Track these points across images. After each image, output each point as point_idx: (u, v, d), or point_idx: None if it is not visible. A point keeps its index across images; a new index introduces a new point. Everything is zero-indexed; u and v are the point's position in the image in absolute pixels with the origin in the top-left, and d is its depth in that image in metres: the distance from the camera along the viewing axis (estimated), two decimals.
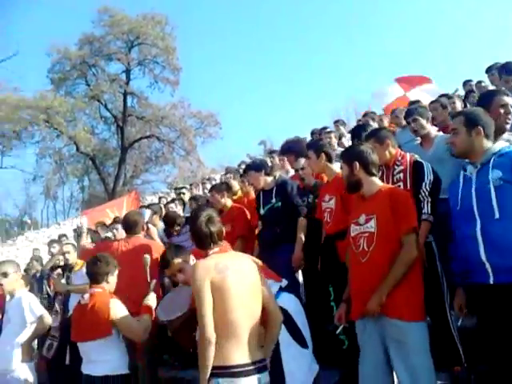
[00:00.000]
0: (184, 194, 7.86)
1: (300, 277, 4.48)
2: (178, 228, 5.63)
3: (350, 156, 3.00)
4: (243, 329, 2.36)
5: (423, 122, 4.01)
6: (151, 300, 3.39)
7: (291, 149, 5.52)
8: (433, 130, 4.15)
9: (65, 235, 8.32)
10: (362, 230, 2.84)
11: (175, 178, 28.79)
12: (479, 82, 7.27)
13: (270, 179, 4.55)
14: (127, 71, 29.42)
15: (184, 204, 7.63)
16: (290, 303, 3.19)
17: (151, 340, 3.91)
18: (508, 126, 3.25)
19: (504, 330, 2.44)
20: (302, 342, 3.05)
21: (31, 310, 3.97)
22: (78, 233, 7.00)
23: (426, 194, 3.21)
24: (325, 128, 8.28)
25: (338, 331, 3.13)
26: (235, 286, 2.39)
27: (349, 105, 25.67)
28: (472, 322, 2.97)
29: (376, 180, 2.96)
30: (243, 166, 7.99)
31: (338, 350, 3.57)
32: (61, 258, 5.92)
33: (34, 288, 5.40)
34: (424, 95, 7.68)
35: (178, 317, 3.13)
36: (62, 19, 53.77)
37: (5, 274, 4.05)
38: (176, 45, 29.42)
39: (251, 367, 2.31)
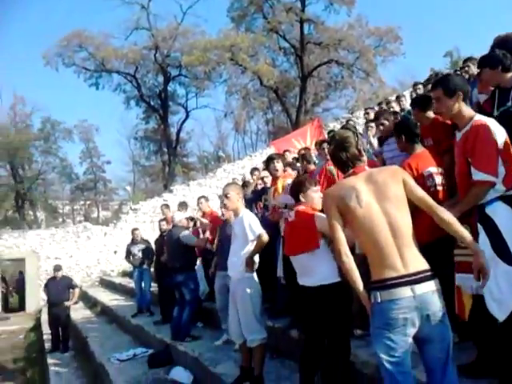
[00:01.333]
0: (368, 113, 7.69)
1: None
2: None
3: None
4: (388, 243, 2.36)
5: None
6: None
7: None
8: None
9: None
10: None
11: (356, 102, 28.08)
12: None
13: (509, 75, 3.70)
14: None
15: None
16: (503, 215, 2.85)
17: None
18: None
19: None
20: (508, 260, 2.75)
21: (251, 229, 4.31)
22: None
23: None
24: None
25: None
26: (366, 206, 2.41)
27: None
28: None
29: None
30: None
31: None
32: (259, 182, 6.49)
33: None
34: None
35: None
36: None
37: (227, 196, 4.48)
38: None
39: (405, 279, 2.31)
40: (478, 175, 2.88)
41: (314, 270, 3.47)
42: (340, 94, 31.03)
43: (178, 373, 5.66)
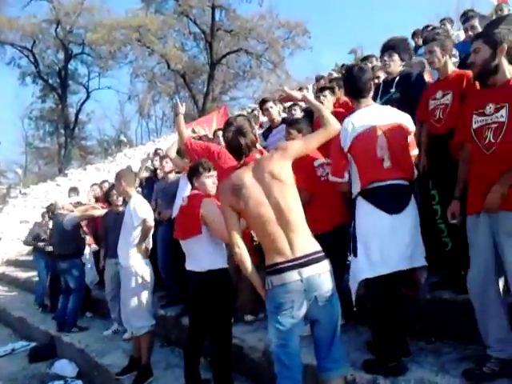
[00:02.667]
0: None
1: None
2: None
3: (495, 37, 2.64)
4: (276, 231, 2.38)
5: None
6: None
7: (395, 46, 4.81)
8: None
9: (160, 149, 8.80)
10: (488, 121, 2.58)
11: (262, 93, 28.37)
12: None
13: (398, 69, 3.98)
14: None
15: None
16: (360, 209, 3.03)
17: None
18: None
19: None
20: (354, 251, 2.98)
21: (136, 214, 4.20)
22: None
23: None
24: (428, 26, 7.60)
25: (455, 221, 2.90)
26: (253, 200, 2.42)
27: (449, 6, 22.93)
28: None
29: (510, 67, 2.66)
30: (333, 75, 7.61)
31: (441, 253, 3.44)
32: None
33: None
34: None
35: None
36: None
37: (114, 184, 4.49)
38: None
39: (292, 263, 2.34)
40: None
41: (200, 256, 3.42)
42: (248, 83, 31.21)
43: (62, 366, 5.34)
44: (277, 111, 5.33)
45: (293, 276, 2.32)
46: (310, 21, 28.05)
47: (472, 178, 2.71)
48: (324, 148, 3.77)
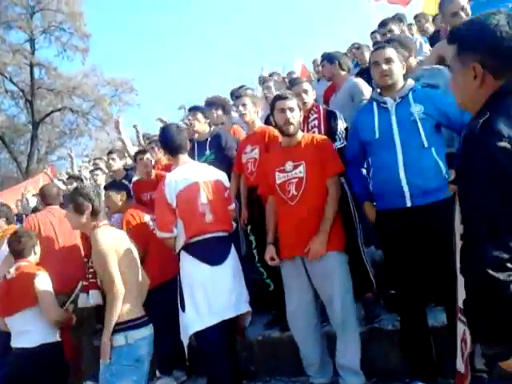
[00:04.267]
0: (97, 164, 7.92)
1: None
2: None
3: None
4: (135, 287, 2.68)
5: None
6: None
7: (216, 102, 5.38)
8: (344, 75, 4.35)
9: None
10: (290, 177, 3.03)
11: (92, 151, 27.47)
12: None
13: (207, 129, 4.40)
14: (31, 40, 26.96)
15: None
16: (183, 264, 3.18)
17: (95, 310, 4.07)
18: None
19: (412, 251, 2.74)
20: (181, 306, 3.07)
21: None
22: None
23: (343, 135, 3.44)
24: (242, 86, 8.46)
25: (274, 262, 3.14)
26: (125, 252, 2.75)
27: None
28: (379, 254, 3.31)
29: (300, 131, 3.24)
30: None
31: (266, 294, 3.74)
32: None
33: None
34: None
35: None
36: None
37: None
38: (83, 10, 27.40)
39: (146, 318, 2.66)
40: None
41: (31, 330, 3.21)
42: (76, 141, 29.71)
43: None
44: (121, 164, 5.64)
45: (148, 331, 2.58)
46: (137, 78, 28.23)
47: (282, 225, 3.09)
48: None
